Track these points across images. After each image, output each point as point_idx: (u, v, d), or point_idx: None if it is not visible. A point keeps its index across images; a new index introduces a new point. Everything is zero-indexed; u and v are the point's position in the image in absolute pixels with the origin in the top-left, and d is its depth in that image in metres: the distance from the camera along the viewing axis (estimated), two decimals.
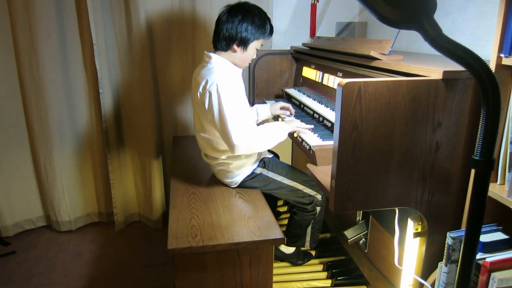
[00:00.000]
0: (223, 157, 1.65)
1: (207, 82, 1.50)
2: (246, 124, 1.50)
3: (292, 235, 1.86)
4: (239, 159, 1.66)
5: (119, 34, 2.20)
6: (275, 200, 2.35)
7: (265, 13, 1.61)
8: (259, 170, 1.71)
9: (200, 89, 1.53)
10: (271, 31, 1.63)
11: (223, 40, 1.56)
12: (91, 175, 2.46)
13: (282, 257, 1.94)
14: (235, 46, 1.56)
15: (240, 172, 1.68)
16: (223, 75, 1.50)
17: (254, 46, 1.60)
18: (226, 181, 1.72)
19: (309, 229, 1.85)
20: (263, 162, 1.74)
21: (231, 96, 1.48)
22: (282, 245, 1.91)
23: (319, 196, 1.73)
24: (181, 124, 2.42)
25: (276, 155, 2.03)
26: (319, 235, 1.91)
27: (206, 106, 1.51)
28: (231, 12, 1.55)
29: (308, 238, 1.87)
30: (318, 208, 1.77)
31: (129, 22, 2.13)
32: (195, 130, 1.71)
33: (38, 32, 2.07)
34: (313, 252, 2.05)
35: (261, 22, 1.57)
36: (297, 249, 1.94)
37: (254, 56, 1.65)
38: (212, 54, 1.59)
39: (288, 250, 1.92)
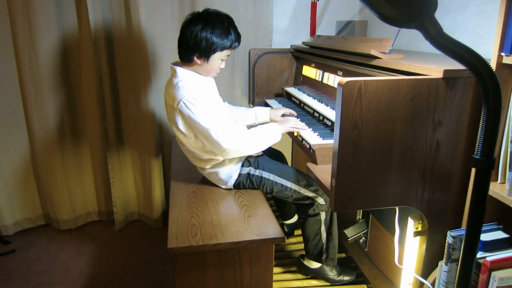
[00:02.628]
0: (208, 166, 1.65)
1: (174, 101, 1.48)
2: (229, 128, 1.49)
3: (307, 245, 1.73)
4: (223, 165, 1.64)
5: (119, 32, 2.19)
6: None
7: (230, 21, 1.52)
8: (245, 170, 1.68)
9: (169, 109, 1.52)
10: (237, 40, 1.53)
11: (184, 51, 1.51)
12: (91, 174, 2.46)
13: (308, 273, 1.79)
14: (195, 59, 1.50)
15: (229, 176, 1.67)
16: (188, 90, 1.46)
17: (218, 57, 1.52)
18: (222, 187, 1.72)
19: (324, 241, 1.69)
20: (247, 161, 1.70)
21: (201, 107, 1.45)
22: (305, 258, 1.79)
23: (320, 200, 1.63)
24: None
25: (280, 155, 2.01)
26: (335, 251, 1.73)
27: (181, 125, 1.50)
28: (191, 21, 1.48)
29: (325, 252, 1.72)
30: (322, 214, 1.66)
31: (129, 21, 2.13)
32: (178, 144, 1.69)
33: (37, 31, 2.06)
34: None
35: (222, 31, 1.48)
36: (327, 262, 1.77)
37: (223, 66, 1.59)
38: (177, 68, 1.54)
39: (312, 264, 1.77)
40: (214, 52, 1.50)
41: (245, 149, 1.55)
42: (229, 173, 1.67)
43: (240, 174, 1.67)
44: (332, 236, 1.71)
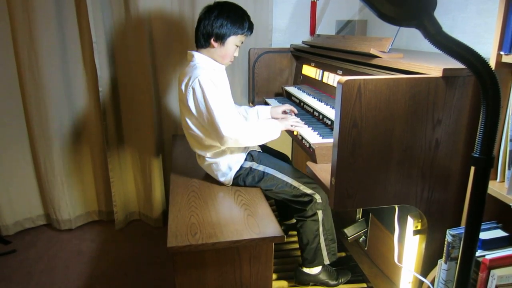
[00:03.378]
0: (208, 155, 1.67)
1: (189, 78, 1.54)
2: (233, 116, 1.54)
3: (306, 251, 1.71)
4: (224, 155, 1.67)
5: (118, 32, 2.19)
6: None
7: (243, 11, 1.63)
8: (248, 164, 1.70)
9: (183, 87, 1.57)
10: (250, 28, 1.64)
11: (201, 37, 1.61)
12: (91, 174, 2.46)
13: (309, 280, 1.77)
14: (212, 42, 1.60)
15: (229, 168, 1.68)
16: (205, 71, 1.54)
17: (233, 41, 1.62)
18: (220, 180, 1.72)
19: (322, 242, 1.69)
20: (250, 156, 1.72)
21: (215, 89, 1.52)
22: (303, 267, 1.76)
23: (317, 197, 1.64)
24: (181, 122, 2.42)
25: (284, 157, 2.00)
26: (335, 246, 1.73)
27: (191, 102, 1.55)
28: (208, 10, 1.60)
29: (325, 252, 1.71)
30: (319, 213, 1.66)
31: (129, 20, 2.13)
32: (183, 128, 1.72)
33: (37, 31, 2.06)
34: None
35: (237, 17, 1.60)
36: (325, 267, 1.77)
37: (236, 54, 1.67)
38: (194, 53, 1.64)
39: (312, 271, 1.75)
40: (229, 35, 1.60)
41: (243, 141, 1.57)
42: (230, 165, 1.68)
43: (241, 168, 1.69)
44: (330, 232, 1.72)
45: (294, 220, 2.20)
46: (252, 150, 1.76)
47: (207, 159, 1.69)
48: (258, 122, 1.63)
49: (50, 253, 2.22)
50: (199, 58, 1.63)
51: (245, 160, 1.71)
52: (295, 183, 1.65)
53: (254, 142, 1.61)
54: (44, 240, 2.36)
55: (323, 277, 1.77)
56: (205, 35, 1.60)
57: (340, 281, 1.81)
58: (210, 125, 1.54)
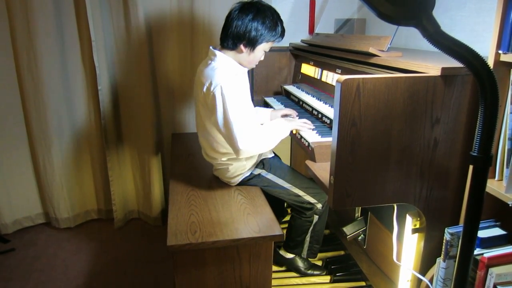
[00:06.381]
0: (223, 159, 1.65)
1: (211, 83, 1.47)
2: (251, 128, 1.49)
3: (290, 239, 1.80)
4: (239, 161, 1.65)
5: (117, 30, 2.19)
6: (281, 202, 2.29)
7: (278, 15, 1.54)
8: (257, 171, 1.71)
9: (204, 90, 1.49)
10: (282, 34, 1.56)
11: (231, 38, 1.50)
12: (90, 172, 2.46)
13: (282, 262, 1.88)
14: (242, 46, 1.51)
15: (239, 173, 1.68)
16: (228, 76, 1.46)
17: (263, 48, 1.55)
18: (225, 180, 1.73)
19: (307, 238, 1.76)
20: (262, 163, 1.73)
21: (236, 99, 1.45)
22: (281, 248, 1.86)
23: (319, 205, 1.67)
24: (180, 121, 2.42)
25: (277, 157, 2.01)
26: (318, 247, 1.82)
27: (210, 108, 1.50)
28: (242, 9, 1.49)
29: (306, 247, 1.79)
30: (315, 217, 1.70)
31: (128, 18, 2.13)
32: (196, 129, 1.70)
33: (36, 30, 2.06)
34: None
35: (272, 23, 1.51)
36: (300, 256, 1.86)
37: (262, 58, 1.60)
38: (217, 52, 1.54)
39: (286, 255, 1.85)
40: (260, 42, 1.52)
41: (257, 151, 1.57)
42: (241, 170, 1.68)
43: (251, 174, 1.70)
44: (318, 233, 1.78)
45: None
46: (265, 158, 1.76)
47: (219, 161, 1.67)
48: (269, 127, 1.58)
49: (49, 251, 2.22)
50: (222, 60, 1.54)
51: (256, 167, 1.72)
52: (300, 192, 1.66)
53: (268, 148, 1.59)
54: (43, 239, 2.36)
55: (296, 263, 1.86)
56: (235, 38, 1.49)
57: (310, 271, 1.88)
58: (227, 136, 1.49)
